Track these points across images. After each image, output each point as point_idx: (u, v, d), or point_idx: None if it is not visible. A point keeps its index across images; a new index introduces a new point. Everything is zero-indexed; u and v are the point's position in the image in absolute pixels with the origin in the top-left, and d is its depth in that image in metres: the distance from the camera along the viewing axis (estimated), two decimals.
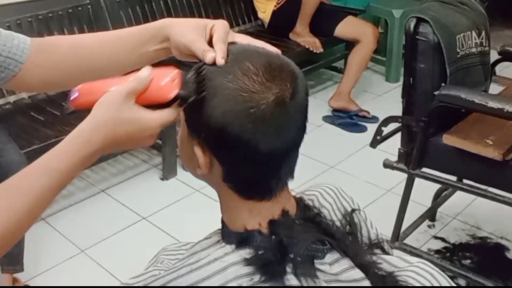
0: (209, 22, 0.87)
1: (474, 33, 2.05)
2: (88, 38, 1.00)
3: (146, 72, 0.78)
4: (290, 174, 0.82)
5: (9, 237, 0.73)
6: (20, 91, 2.63)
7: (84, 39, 1.00)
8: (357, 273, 0.79)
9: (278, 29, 3.60)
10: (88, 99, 0.78)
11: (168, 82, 0.78)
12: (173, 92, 0.77)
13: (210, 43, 0.83)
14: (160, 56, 0.93)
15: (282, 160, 0.79)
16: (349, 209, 0.91)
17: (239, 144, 0.75)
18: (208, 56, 0.79)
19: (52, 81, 0.98)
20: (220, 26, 0.85)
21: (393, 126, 2.15)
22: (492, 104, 1.79)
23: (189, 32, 0.86)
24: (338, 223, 0.86)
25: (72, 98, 0.80)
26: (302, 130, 0.80)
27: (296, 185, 0.87)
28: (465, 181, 2.07)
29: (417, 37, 1.96)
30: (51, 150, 0.76)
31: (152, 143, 0.81)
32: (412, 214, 2.28)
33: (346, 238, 0.83)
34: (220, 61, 0.78)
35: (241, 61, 0.77)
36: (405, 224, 2.19)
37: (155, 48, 0.92)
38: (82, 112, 0.79)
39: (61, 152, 0.75)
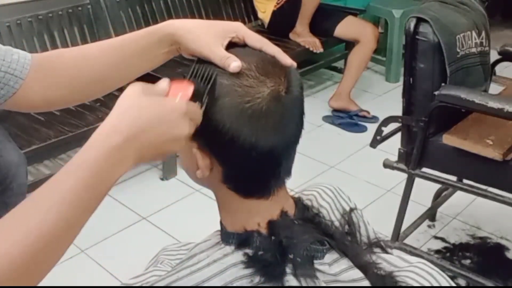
0: (229, 29, 0.83)
1: (474, 33, 2.05)
2: (91, 48, 0.96)
3: (164, 83, 0.75)
4: (288, 172, 0.82)
5: (42, 252, 0.67)
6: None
7: (87, 50, 0.96)
8: (356, 273, 0.79)
9: (278, 29, 3.59)
10: None
11: (183, 93, 0.75)
12: (190, 88, 0.75)
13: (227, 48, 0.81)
14: (167, 58, 0.91)
15: (282, 156, 0.79)
16: (347, 209, 0.91)
17: (238, 141, 0.74)
18: (232, 65, 0.76)
19: (55, 97, 0.95)
20: (253, 37, 0.83)
21: (393, 126, 2.15)
22: (492, 104, 1.79)
23: (206, 40, 0.82)
24: (337, 223, 0.86)
25: None
26: (300, 125, 0.80)
27: (296, 185, 0.87)
28: (465, 181, 2.06)
29: (417, 37, 1.96)
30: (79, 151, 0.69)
31: (187, 131, 0.72)
32: (412, 214, 2.28)
33: (345, 238, 0.83)
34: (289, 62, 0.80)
35: None
36: (405, 224, 2.19)
37: (163, 52, 0.90)
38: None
39: (86, 147, 0.68)
